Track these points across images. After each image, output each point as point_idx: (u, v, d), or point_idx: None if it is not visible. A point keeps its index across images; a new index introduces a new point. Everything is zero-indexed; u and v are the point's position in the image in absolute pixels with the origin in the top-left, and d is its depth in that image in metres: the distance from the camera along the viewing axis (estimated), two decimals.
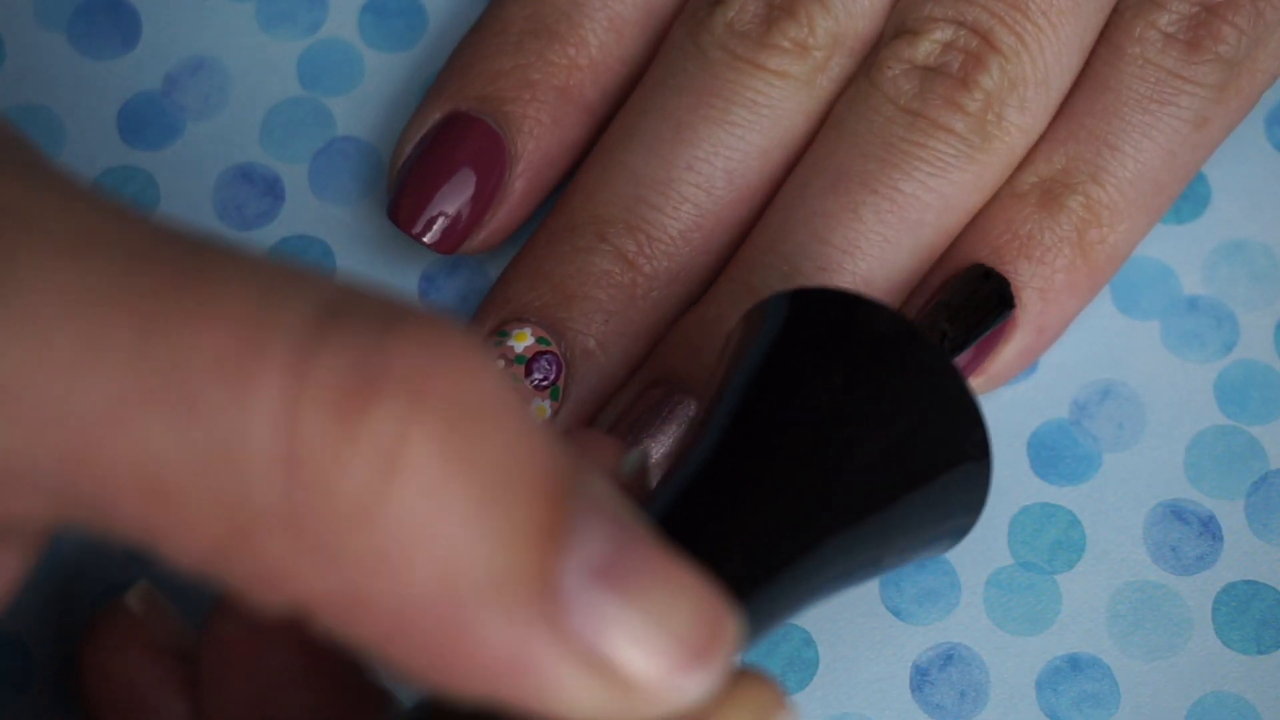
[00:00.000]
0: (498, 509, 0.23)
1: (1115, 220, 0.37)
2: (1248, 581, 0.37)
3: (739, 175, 0.37)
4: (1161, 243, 0.39)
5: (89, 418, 0.23)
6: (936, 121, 0.36)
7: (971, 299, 0.36)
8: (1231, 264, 0.39)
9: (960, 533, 0.31)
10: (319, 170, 0.40)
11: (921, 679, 0.36)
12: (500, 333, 0.36)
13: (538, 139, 0.37)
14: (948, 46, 0.36)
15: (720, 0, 0.37)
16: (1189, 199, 0.40)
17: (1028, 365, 0.37)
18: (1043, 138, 0.37)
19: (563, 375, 0.36)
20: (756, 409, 0.29)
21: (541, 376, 0.36)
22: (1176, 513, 0.37)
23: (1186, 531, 0.37)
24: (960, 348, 0.36)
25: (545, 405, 0.36)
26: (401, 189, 0.37)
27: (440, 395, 0.23)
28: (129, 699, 0.31)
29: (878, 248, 0.36)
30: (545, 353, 0.36)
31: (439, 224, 0.37)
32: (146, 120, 0.41)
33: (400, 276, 0.39)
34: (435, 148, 0.37)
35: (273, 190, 0.40)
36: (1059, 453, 0.38)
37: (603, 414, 0.37)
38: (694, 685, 0.24)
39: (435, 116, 0.38)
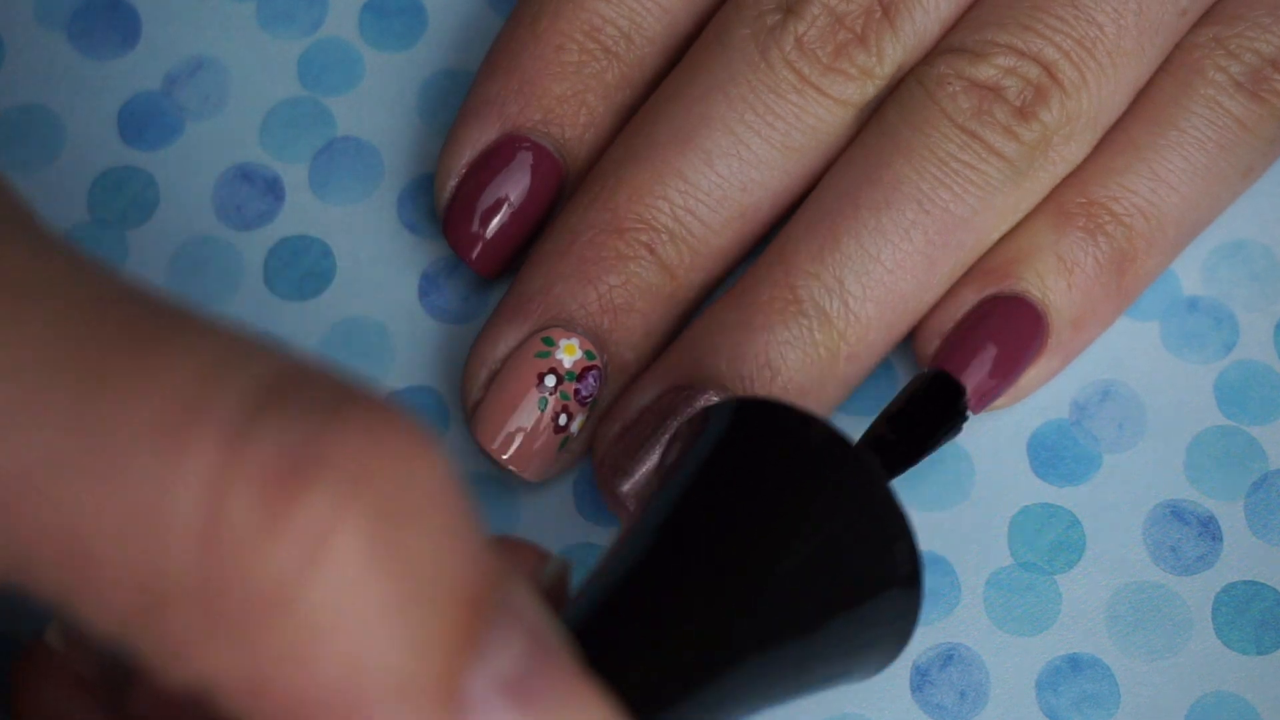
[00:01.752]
0: (414, 611, 0.22)
1: (1151, 253, 0.37)
2: (1247, 582, 0.37)
3: (783, 198, 0.37)
4: None
5: (16, 475, 0.22)
6: (991, 146, 0.36)
7: (917, 402, 0.35)
8: (1231, 264, 0.39)
9: (887, 657, 0.30)
10: (319, 170, 0.40)
11: (921, 679, 0.36)
12: (546, 340, 0.36)
13: (588, 159, 0.38)
14: (1009, 72, 0.36)
15: (792, 10, 0.36)
16: None
17: (1041, 385, 0.37)
18: (1098, 161, 0.37)
19: (601, 388, 0.36)
20: (683, 520, 0.28)
21: (588, 393, 0.36)
22: (1176, 513, 0.37)
23: (1186, 532, 0.37)
24: (910, 454, 0.35)
25: (583, 419, 0.36)
26: (468, 211, 0.37)
27: (374, 487, 0.22)
28: None
29: (922, 269, 0.36)
30: (592, 368, 0.36)
31: (486, 249, 0.37)
32: (146, 120, 0.41)
33: (400, 276, 0.39)
34: (494, 170, 0.37)
35: (273, 190, 0.40)
36: (1059, 453, 0.38)
37: (613, 411, 0.36)
38: None
39: (492, 132, 0.37)
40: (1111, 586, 0.37)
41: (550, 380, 0.35)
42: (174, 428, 0.22)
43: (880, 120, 0.37)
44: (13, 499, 0.23)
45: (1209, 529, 0.37)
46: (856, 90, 0.36)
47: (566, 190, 0.38)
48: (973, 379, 0.36)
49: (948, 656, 0.36)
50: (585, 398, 0.36)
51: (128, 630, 0.23)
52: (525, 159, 0.37)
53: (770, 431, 0.29)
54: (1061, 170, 0.37)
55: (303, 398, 0.23)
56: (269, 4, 0.41)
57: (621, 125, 0.38)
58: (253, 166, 0.40)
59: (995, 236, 0.37)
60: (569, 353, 0.36)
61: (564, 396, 0.35)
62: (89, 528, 0.22)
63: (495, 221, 0.37)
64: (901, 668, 0.36)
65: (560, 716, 0.23)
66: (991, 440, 0.38)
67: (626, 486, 0.35)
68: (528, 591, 0.24)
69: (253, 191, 0.40)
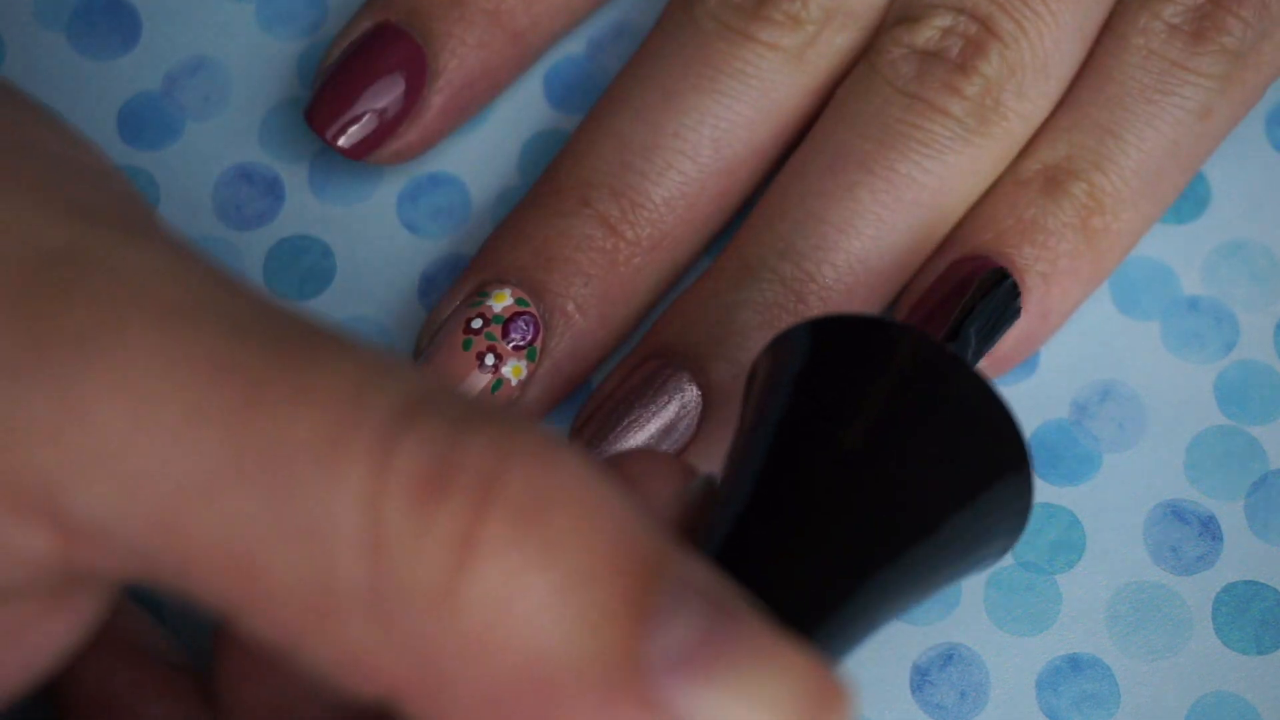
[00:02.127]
0: (577, 591, 0.23)
1: (1119, 208, 0.37)
2: (1248, 581, 0.37)
3: (725, 145, 0.37)
4: (1161, 243, 0.39)
5: (183, 487, 0.23)
6: (934, 104, 0.36)
7: (994, 307, 0.36)
8: (1231, 264, 0.39)
9: (1008, 545, 0.31)
10: (319, 170, 0.40)
11: (921, 679, 0.36)
12: (481, 293, 0.36)
13: (460, 58, 0.38)
14: (948, 32, 0.37)
15: None
16: (1189, 199, 0.40)
17: (1030, 352, 0.37)
18: (1046, 126, 0.37)
19: (540, 336, 0.36)
20: (795, 444, 0.28)
21: (519, 337, 0.36)
22: (1176, 513, 0.37)
23: (1186, 532, 0.37)
24: (982, 355, 0.36)
25: (522, 366, 0.36)
26: (321, 93, 0.38)
27: (510, 486, 0.23)
28: (101, 700, 0.31)
29: (873, 227, 0.36)
30: (523, 314, 0.36)
31: (352, 130, 0.38)
32: (146, 120, 0.41)
33: (400, 276, 0.39)
34: (358, 56, 0.38)
35: (273, 190, 0.40)
36: (1059, 453, 0.38)
37: (599, 387, 0.37)
38: None
39: (365, 25, 0.38)
40: (1112, 586, 0.37)
41: (477, 323, 0.36)
42: (331, 442, 0.23)
43: (834, 100, 0.37)
44: (180, 511, 0.23)
45: (1209, 529, 0.37)
46: (783, 35, 0.37)
47: (433, 78, 0.38)
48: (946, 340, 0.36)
49: (948, 656, 0.36)
50: (518, 340, 0.36)
51: (303, 642, 0.24)
52: (389, 46, 0.38)
53: (866, 346, 0.29)
54: (1020, 127, 0.37)
55: (439, 412, 0.23)
56: (269, 4, 0.41)
57: (499, 23, 0.38)
58: (253, 166, 0.40)
59: (960, 199, 0.37)
60: (499, 300, 0.36)
61: (490, 337, 0.36)
62: (255, 539, 0.23)
63: (356, 102, 0.38)
64: (901, 668, 0.36)
65: (755, 675, 0.23)
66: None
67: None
68: (695, 558, 0.24)
69: (253, 191, 0.40)
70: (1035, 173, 0.37)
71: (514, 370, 0.36)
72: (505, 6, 0.38)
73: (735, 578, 0.26)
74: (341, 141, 0.38)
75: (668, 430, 0.36)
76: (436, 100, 0.38)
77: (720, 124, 0.37)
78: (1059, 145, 0.37)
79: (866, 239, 0.36)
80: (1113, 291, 0.39)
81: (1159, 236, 0.39)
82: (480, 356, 0.36)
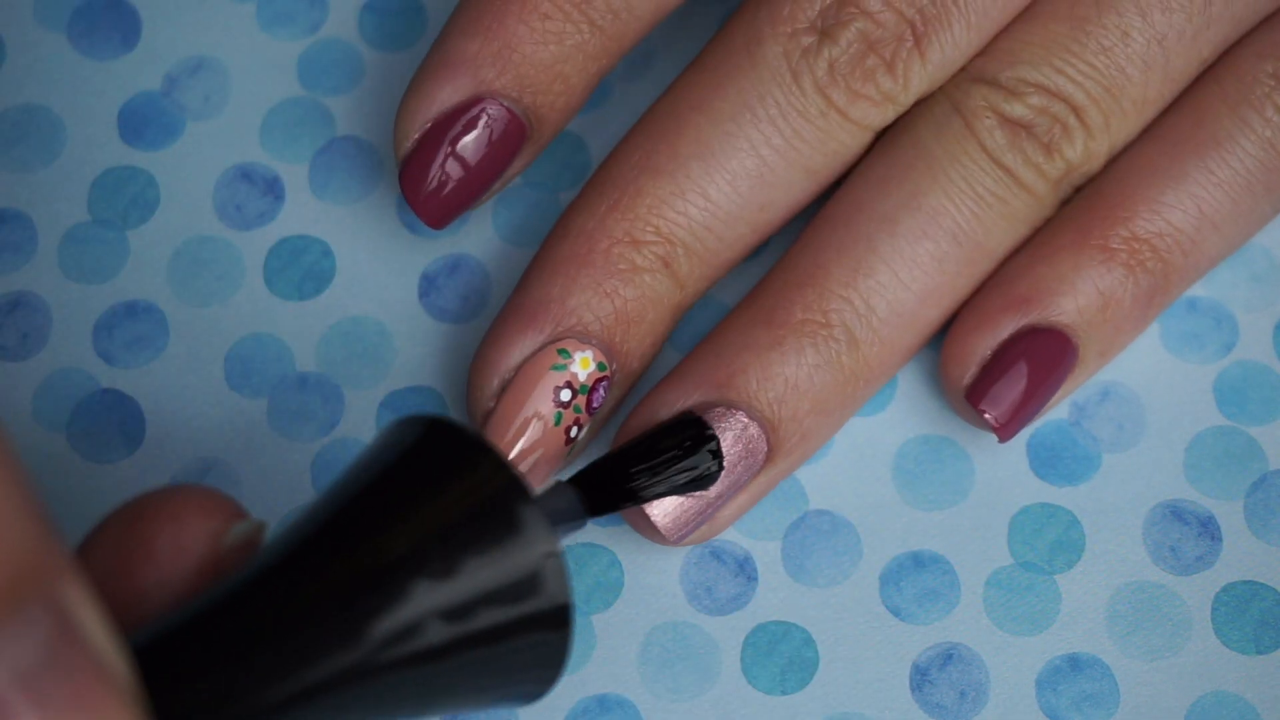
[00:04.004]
0: None
1: (1182, 285, 0.37)
2: (1247, 582, 0.37)
3: (796, 209, 0.37)
4: None
5: None
6: (1021, 181, 0.36)
7: (660, 440, 0.35)
8: (1231, 265, 0.39)
9: (531, 693, 0.29)
10: (319, 170, 0.40)
11: (921, 679, 0.36)
12: (562, 351, 0.36)
13: (555, 126, 0.37)
14: (1041, 111, 0.36)
15: (828, 34, 0.36)
16: None
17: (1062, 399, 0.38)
18: (1143, 192, 0.37)
19: (608, 394, 0.36)
20: (338, 522, 0.28)
21: (597, 405, 0.36)
22: (1176, 513, 0.37)
23: (1186, 532, 0.37)
24: (624, 493, 0.34)
25: (589, 428, 0.36)
26: (424, 165, 0.36)
27: None
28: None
29: (949, 298, 0.37)
30: (604, 379, 0.36)
31: (439, 204, 0.37)
32: (146, 120, 0.41)
33: (400, 276, 0.39)
34: (457, 127, 0.36)
35: (273, 190, 0.40)
36: (1059, 453, 0.38)
37: (645, 417, 0.36)
38: None
39: (461, 89, 0.36)
40: (1111, 586, 0.37)
41: (565, 395, 0.35)
42: None
43: (915, 143, 0.37)
44: None
45: (1208, 529, 0.37)
46: (878, 115, 0.37)
47: (527, 150, 0.37)
48: (1001, 407, 0.36)
49: (948, 656, 0.36)
50: (594, 409, 0.36)
51: None
52: (493, 121, 0.36)
53: (449, 459, 0.28)
54: (1069, 194, 0.37)
55: None
56: (269, 4, 0.41)
57: (590, 91, 0.37)
58: (253, 166, 0.40)
59: (1014, 248, 0.37)
60: (584, 365, 0.36)
61: (576, 410, 0.36)
62: None
63: (453, 180, 0.36)
64: (901, 667, 0.36)
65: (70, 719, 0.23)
66: (991, 440, 0.38)
67: (658, 514, 0.35)
68: (81, 587, 0.24)
69: (253, 191, 0.40)
70: (1124, 241, 0.37)
71: (584, 434, 0.36)
72: (598, 69, 0.37)
73: (197, 643, 0.26)
74: (428, 219, 0.37)
75: (728, 480, 0.36)
76: (520, 161, 0.37)
77: (803, 197, 0.37)
78: (1155, 220, 0.37)
79: (940, 309, 0.37)
80: None
81: None
82: (567, 430, 0.36)
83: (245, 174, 0.40)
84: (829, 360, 0.36)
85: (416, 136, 0.36)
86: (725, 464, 0.35)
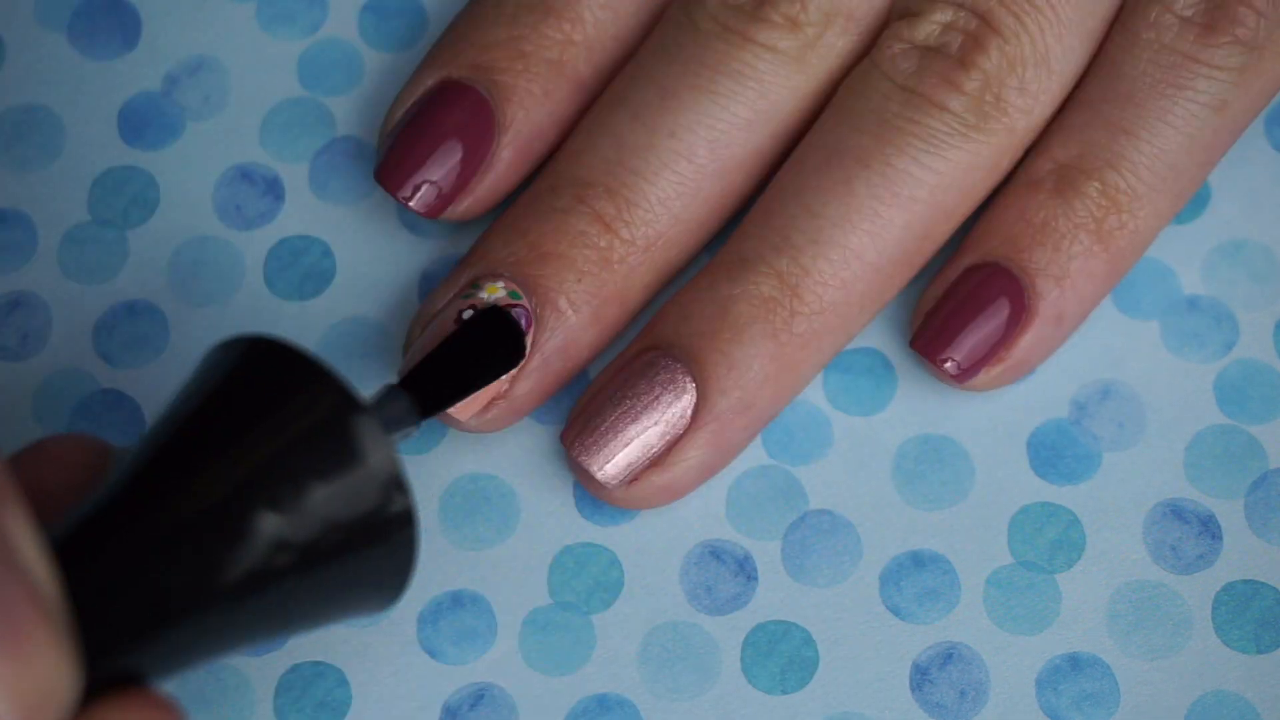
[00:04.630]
0: None
1: (1135, 206, 0.37)
2: (1247, 581, 0.37)
3: (721, 146, 0.37)
4: (1161, 242, 0.39)
5: None
6: (931, 99, 0.36)
7: (467, 338, 0.36)
8: (1231, 264, 0.39)
9: (388, 599, 0.30)
10: (319, 170, 0.40)
11: (921, 678, 0.36)
12: (474, 285, 0.36)
13: (527, 110, 0.38)
14: (948, 27, 0.37)
15: None
16: (1190, 199, 0.40)
17: (1048, 354, 0.37)
18: (1057, 125, 0.37)
19: (531, 330, 0.36)
20: (177, 455, 0.28)
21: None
22: (1176, 512, 0.37)
23: (1186, 531, 0.37)
24: (458, 389, 0.35)
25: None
26: (390, 153, 0.38)
27: None
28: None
29: (869, 221, 0.36)
30: (515, 306, 0.36)
31: (425, 189, 0.37)
32: (146, 120, 0.41)
33: (400, 276, 0.39)
34: (426, 114, 0.38)
35: (273, 190, 0.40)
36: (1059, 452, 0.38)
37: (595, 378, 0.37)
38: None
39: (428, 83, 0.38)
40: (1111, 585, 0.37)
41: (468, 314, 0.36)
42: None
43: (835, 99, 0.37)
44: None
45: (1209, 528, 0.37)
46: (782, 37, 0.37)
47: (502, 131, 0.38)
48: (956, 351, 0.36)
49: (948, 655, 0.36)
50: None
51: None
52: (456, 102, 0.37)
53: (276, 378, 0.29)
54: (1022, 123, 0.37)
55: None
56: (269, 4, 0.41)
57: (562, 73, 0.38)
58: (253, 166, 0.40)
59: (962, 196, 0.37)
60: (491, 292, 0.36)
61: None
62: None
63: (428, 161, 0.37)
64: (901, 666, 0.36)
65: (3, 648, 0.24)
66: (991, 439, 0.38)
67: (588, 463, 0.36)
68: (17, 512, 0.24)
69: (253, 191, 0.40)
70: (1047, 173, 0.37)
71: (530, 383, 0.36)
72: (567, 56, 0.38)
73: (73, 559, 0.26)
74: (414, 203, 0.37)
75: (661, 421, 0.36)
76: (506, 154, 0.38)
77: (717, 125, 0.37)
78: (1071, 145, 0.37)
79: (862, 234, 0.36)
80: (1113, 291, 0.39)
81: (1159, 236, 0.39)
82: None
83: (245, 174, 0.40)
84: (746, 292, 0.36)
85: (389, 130, 0.38)
86: (641, 399, 0.36)
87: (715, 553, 0.37)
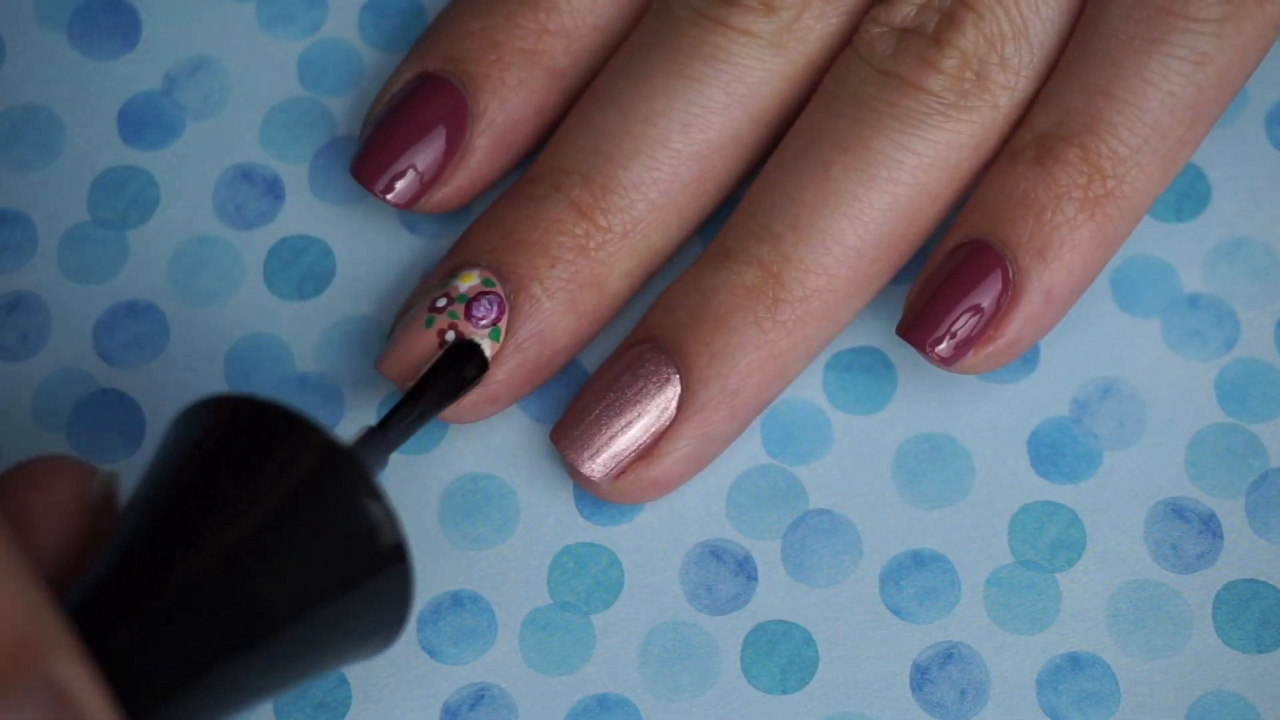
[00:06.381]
0: None
1: (1120, 171, 0.36)
2: (1248, 580, 0.37)
3: (696, 130, 0.37)
4: (1162, 241, 0.39)
5: None
6: (909, 80, 0.36)
7: (432, 372, 0.36)
8: (1232, 262, 0.39)
9: (392, 633, 0.31)
10: (319, 170, 0.40)
11: (922, 678, 0.36)
12: (451, 274, 0.36)
13: (501, 99, 0.38)
14: (924, 7, 0.36)
15: None
16: (1189, 197, 0.40)
17: (1037, 335, 0.36)
18: (1040, 93, 0.37)
19: (504, 317, 0.36)
20: (172, 517, 0.29)
21: (480, 315, 0.36)
22: (1177, 511, 0.37)
23: (1187, 530, 0.37)
24: (416, 422, 0.35)
25: (486, 344, 0.36)
26: (366, 146, 0.38)
27: None
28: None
29: (848, 205, 0.36)
30: (488, 293, 0.36)
31: (401, 182, 0.37)
32: (146, 120, 0.41)
33: (400, 276, 0.39)
34: (401, 107, 0.38)
35: (273, 190, 0.40)
36: (1059, 451, 0.38)
37: (591, 376, 0.37)
38: None
39: (405, 77, 0.38)
40: (1112, 584, 0.37)
41: (441, 302, 0.36)
42: None
43: (819, 87, 0.37)
44: None
45: (1210, 527, 0.37)
46: (757, 20, 0.37)
47: (475, 119, 0.38)
48: (943, 334, 0.36)
49: (948, 655, 0.36)
50: (480, 319, 0.36)
51: None
52: (430, 94, 0.38)
53: (250, 429, 0.29)
54: (1005, 99, 0.36)
55: None
56: (269, 4, 0.41)
57: (537, 62, 0.38)
58: (253, 166, 0.40)
59: (947, 177, 0.36)
60: (465, 280, 0.36)
61: (452, 315, 0.36)
62: None
63: (402, 154, 0.37)
64: (901, 666, 0.36)
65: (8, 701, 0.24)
66: (992, 438, 0.38)
67: (575, 458, 0.36)
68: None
69: (253, 191, 0.40)
70: (1028, 143, 0.36)
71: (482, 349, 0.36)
72: (543, 46, 0.38)
73: (95, 625, 0.27)
74: (390, 196, 0.37)
75: (647, 413, 0.36)
76: (481, 143, 0.38)
77: (690, 109, 0.37)
78: (1050, 111, 0.36)
79: (842, 218, 0.36)
80: (1113, 289, 0.39)
81: (1159, 234, 0.39)
82: (441, 334, 0.36)
83: (245, 174, 0.40)
84: (726, 281, 0.36)
85: (366, 124, 0.38)
86: (626, 392, 0.36)
87: (715, 552, 0.37)
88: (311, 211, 0.40)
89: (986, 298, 0.36)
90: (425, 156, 0.37)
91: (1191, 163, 0.40)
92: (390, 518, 0.29)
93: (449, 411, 0.36)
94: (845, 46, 0.37)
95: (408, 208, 0.38)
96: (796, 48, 0.37)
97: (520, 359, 0.36)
